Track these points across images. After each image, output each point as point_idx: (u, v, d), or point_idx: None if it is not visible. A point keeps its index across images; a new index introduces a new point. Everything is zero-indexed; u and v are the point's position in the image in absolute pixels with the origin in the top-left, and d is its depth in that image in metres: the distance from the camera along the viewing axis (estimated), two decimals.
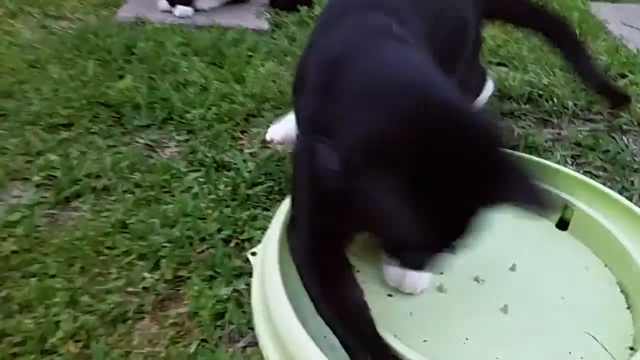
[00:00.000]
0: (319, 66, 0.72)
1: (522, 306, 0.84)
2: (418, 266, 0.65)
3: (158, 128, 1.34)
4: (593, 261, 0.93)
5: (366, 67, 0.65)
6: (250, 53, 1.68)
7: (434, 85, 0.61)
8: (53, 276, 0.94)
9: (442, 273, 0.88)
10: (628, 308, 0.85)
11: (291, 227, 0.80)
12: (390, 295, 0.85)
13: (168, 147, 1.29)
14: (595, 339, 0.79)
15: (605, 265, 0.92)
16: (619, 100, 1.27)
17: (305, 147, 0.69)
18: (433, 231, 0.52)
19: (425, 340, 0.77)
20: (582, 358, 0.76)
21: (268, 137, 1.26)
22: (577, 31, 1.86)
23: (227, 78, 1.52)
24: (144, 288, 0.93)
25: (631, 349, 0.77)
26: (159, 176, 1.15)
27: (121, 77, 1.53)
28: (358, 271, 0.89)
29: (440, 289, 0.86)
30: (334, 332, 0.70)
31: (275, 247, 0.85)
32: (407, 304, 0.84)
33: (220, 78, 1.52)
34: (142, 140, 1.29)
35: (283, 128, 1.29)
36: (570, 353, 0.77)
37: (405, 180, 0.51)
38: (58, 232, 1.03)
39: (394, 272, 0.84)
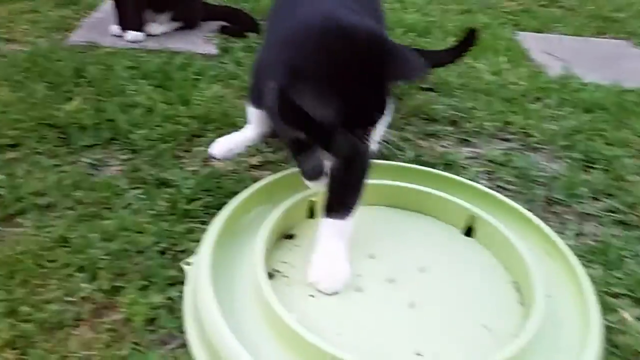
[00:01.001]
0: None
1: (428, 302, 0.94)
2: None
3: (103, 148, 1.39)
4: (494, 264, 1.05)
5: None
6: (197, 77, 1.75)
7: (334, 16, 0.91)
8: None
9: (360, 275, 0.98)
10: (521, 303, 0.96)
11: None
12: (312, 296, 0.94)
13: (111, 165, 1.34)
14: (488, 329, 0.90)
15: (505, 268, 1.04)
16: (468, 39, 1.57)
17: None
18: (342, 114, 0.83)
19: (339, 334, 0.86)
20: (474, 346, 0.87)
21: (210, 151, 1.33)
22: (503, 58, 2.04)
23: (173, 100, 1.59)
24: (82, 297, 0.97)
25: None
26: (100, 193, 1.21)
27: (70, 99, 1.58)
28: (286, 276, 0.98)
29: (357, 289, 0.96)
30: None
31: (208, 255, 0.93)
32: (326, 303, 0.93)
33: (166, 100, 1.58)
34: (86, 160, 1.34)
35: (225, 144, 1.36)
36: (466, 342, 0.88)
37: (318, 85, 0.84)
38: (0, 247, 1.07)
39: (312, 272, 0.95)
